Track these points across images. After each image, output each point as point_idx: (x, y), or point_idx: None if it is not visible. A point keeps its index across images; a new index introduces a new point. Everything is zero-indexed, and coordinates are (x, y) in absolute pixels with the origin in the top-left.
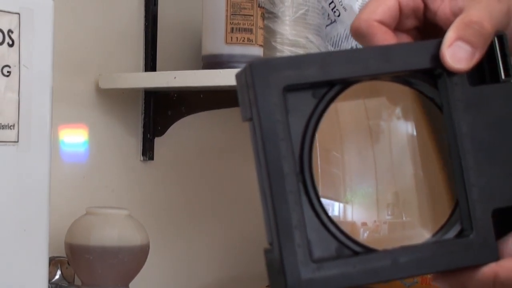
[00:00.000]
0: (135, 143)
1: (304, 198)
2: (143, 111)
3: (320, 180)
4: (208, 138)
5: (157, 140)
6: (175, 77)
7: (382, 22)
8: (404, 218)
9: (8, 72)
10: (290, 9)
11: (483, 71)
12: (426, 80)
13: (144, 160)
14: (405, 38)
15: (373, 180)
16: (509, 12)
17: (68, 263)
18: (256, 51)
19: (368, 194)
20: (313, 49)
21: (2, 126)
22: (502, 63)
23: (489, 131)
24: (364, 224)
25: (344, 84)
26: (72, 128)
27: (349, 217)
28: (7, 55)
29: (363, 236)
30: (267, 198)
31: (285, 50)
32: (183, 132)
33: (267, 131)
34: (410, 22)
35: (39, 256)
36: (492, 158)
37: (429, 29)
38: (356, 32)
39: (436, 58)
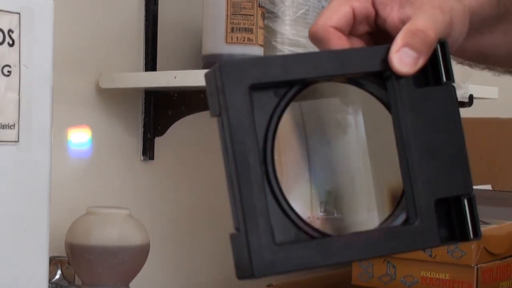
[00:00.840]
0: (136, 143)
1: (267, 188)
2: (144, 111)
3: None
4: (208, 138)
5: (158, 140)
6: (175, 77)
7: (337, 28)
8: (335, 215)
9: (8, 71)
10: (290, 8)
11: (427, 74)
12: (376, 82)
13: (144, 159)
14: (358, 42)
15: (308, 178)
16: (451, 22)
17: (68, 263)
18: (257, 50)
19: (303, 191)
20: (313, 49)
21: (3, 125)
22: (444, 68)
23: (430, 128)
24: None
25: (303, 84)
26: (72, 128)
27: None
28: (7, 55)
29: None
30: (234, 187)
31: (285, 49)
32: (184, 132)
33: (235, 126)
34: (363, 28)
35: (39, 256)
36: (433, 153)
37: (380, 34)
38: (313, 37)
39: (385, 62)
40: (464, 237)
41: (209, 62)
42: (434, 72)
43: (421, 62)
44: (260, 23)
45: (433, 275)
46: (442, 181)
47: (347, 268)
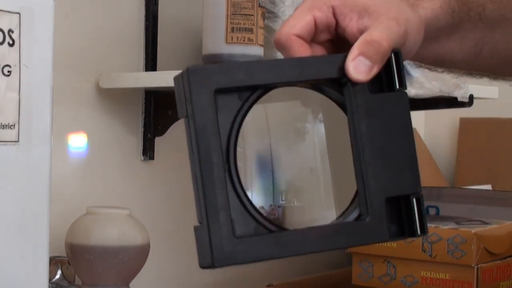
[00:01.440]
0: (136, 143)
1: (229, 184)
2: (144, 111)
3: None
4: None
5: (158, 140)
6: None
7: (299, 36)
8: (295, 203)
9: (8, 71)
10: (290, 8)
11: (382, 81)
12: (334, 88)
13: (144, 159)
14: (319, 49)
15: (270, 171)
16: (405, 33)
17: (68, 263)
18: (257, 50)
19: (265, 182)
20: None
21: (3, 125)
22: (397, 75)
23: (383, 132)
24: (261, 207)
25: (266, 88)
26: (72, 128)
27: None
28: (7, 55)
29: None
30: (198, 184)
31: None
32: (184, 131)
33: (200, 127)
34: (324, 36)
35: (39, 256)
36: (385, 155)
37: (341, 42)
38: (277, 44)
39: (342, 69)
40: (412, 233)
41: (210, 62)
42: (388, 80)
43: (375, 70)
44: (261, 23)
45: (433, 275)
46: (393, 181)
47: (347, 268)
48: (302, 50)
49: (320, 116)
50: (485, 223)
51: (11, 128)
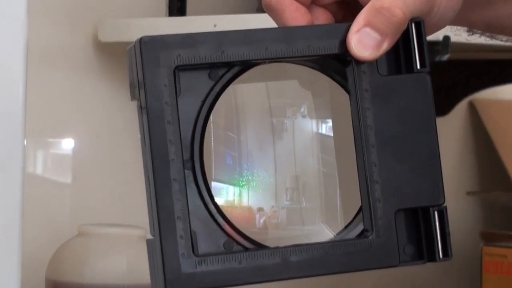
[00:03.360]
0: None
1: (192, 187)
2: None
3: (213, 163)
4: None
5: None
6: (215, 25)
7: None
8: (304, 204)
9: None
10: None
11: (397, 60)
12: (335, 66)
13: None
14: (322, 15)
15: (272, 163)
16: None
17: None
18: None
19: (266, 177)
20: None
21: None
22: (418, 52)
23: (395, 124)
24: (260, 209)
25: (244, 65)
26: (59, 101)
27: (245, 202)
28: None
29: (259, 223)
30: (150, 186)
31: None
32: None
33: (154, 114)
34: None
35: None
36: (398, 154)
37: (353, 5)
38: (266, 7)
39: (344, 43)
40: (431, 257)
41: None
42: (406, 58)
43: (385, 46)
44: None
45: None
46: (408, 188)
47: None
48: (297, 16)
49: (321, 100)
50: None
51: None
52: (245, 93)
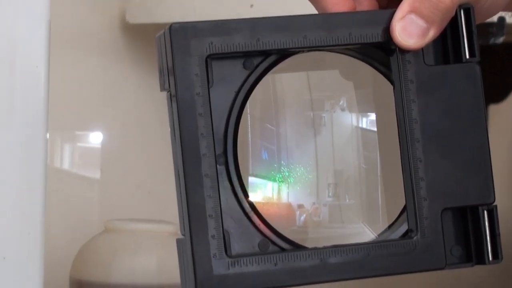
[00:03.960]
0: None
1: (225, 183)
2: None
3: (250, 157)
4: None
5: None
6: (251, 5)
7: None
8: (347, 201)
9: None
10: None
11: (444, 49)
12: (379, 55)
13: None
14: (367, 1)
15: (313, 157)
16: None
17: None
18: None
19: (307, 172)
20: None
21: None
22: (467, 41)
23: (442, 118)
24: (300, 206)
25: (280, 54)
26: (84, 87)
27: (284, 198)
28: None
29: (299, 221)
30: (180, 182)
31: None
32: None
33: (184, 106)
34: None
35: None
36: (443, 149)
37: None
38: None
39: (388, 31)
40: (480, 259)
41: None
42: (454, 47)
43: (431, 34)
44: None
45: None
46: (455, 186)
47: None
48: (338, 1)
49: (365, 91)
50: None
51: None
52: (283, 83)
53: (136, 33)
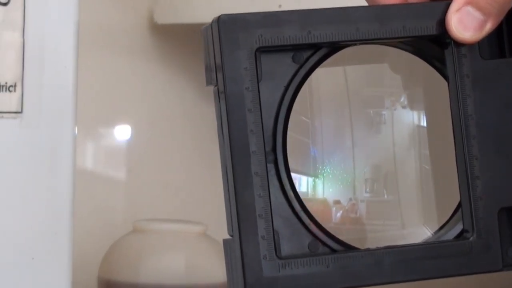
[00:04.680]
0: (214, 114)
1: (274, 182)
2: None
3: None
4: None
5: None
6: (280, 5)
7: None
8: (386, 196)
9: None
10: None
11: (501, 42)
12: (433, 49)
13: None
14: None
15: (349, 151)
16: None
17: None
18: None
19: (343, 166)
20: None
21: None
22: None
23: (498, 114)
24: (337, 202)
25: (331, 47)
26: (112, 91)
27: (320, 194)
28: None
29: (335, 217)
30: (229, 181)
31: None
32: None
33: (233, 101)
34: None
35: None
36: (500, 146)
37: None
38: None
39: (443, 24)
40: None
41: None
42: (510, 40)
43: (488, 27)
44: None
45: None
46: (510, 184)
47: None
48: None
49: (416, 86)
50: None
51: (10, 91)
52: (321, 76)
53: (164, 33)
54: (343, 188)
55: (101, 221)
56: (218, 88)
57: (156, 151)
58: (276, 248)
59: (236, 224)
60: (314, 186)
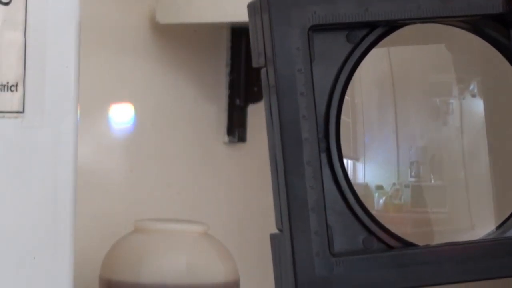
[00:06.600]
0: (216, 114)
1: (327, 172)
2: (230, 61)
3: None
4: None
5: (252, 109)
6: None
7: None
8: (432, 181)
9: None
10: None
11: None
12: (496, 28)
13: (230, 141)
14: None
15: (395, 133)
16: None
17: None
18: None
19: (388, 148)
20: None
21: None
22: None
23: None
24: (379, 187)
25: (389, 26)
26: (113, 90)
27: (361, 178)
28: None
29: (378, 204)
30: (279, 170)
31: None
32: None
33: (284, 84)
34: None
35: None
36: None
37: None
38: None
39: (510, 1)
40: None
41: None
42: None
43: None
44: None
45: None
46: None
47: None
48: None
49: (476, 67)
50: None
51: (12, 90)
52: (392, 60)
53: (166, 33)
54: (386, 172)
55: (102, 220)
56: (266, 70)
57: (158, 150)
58: (330, 245)
59: (287, 218)
60: (354, 171)
